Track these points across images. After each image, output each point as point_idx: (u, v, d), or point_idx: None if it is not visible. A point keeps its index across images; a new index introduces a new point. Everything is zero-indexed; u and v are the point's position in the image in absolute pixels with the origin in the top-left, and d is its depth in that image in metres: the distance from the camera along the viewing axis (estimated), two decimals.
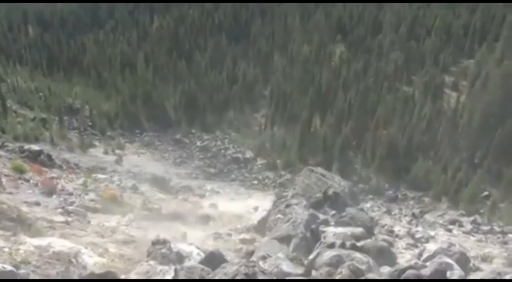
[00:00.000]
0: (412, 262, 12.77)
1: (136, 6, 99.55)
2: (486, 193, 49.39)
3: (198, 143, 68.33)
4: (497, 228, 36.51)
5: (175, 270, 8.95)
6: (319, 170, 24.93)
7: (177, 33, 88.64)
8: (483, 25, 69.32)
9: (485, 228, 36.18)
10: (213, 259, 9.91)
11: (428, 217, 42.79)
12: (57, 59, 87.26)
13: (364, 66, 70.90)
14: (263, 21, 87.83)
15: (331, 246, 13.44)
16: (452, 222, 38.71)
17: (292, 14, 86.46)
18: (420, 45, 71.67)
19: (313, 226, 17.04)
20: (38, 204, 22.56)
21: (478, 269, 17.43)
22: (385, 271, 10.99)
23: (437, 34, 70.99)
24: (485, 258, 21.29)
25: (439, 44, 70.20)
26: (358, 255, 12.09)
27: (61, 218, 20.57)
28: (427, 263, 13.60)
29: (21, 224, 15.61)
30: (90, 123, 68.73)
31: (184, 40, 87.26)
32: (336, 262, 11.45)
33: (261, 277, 6.26)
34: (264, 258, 12.35)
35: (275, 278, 6.59)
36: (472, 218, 40.87)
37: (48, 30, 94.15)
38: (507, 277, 16.17)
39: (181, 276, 8.39)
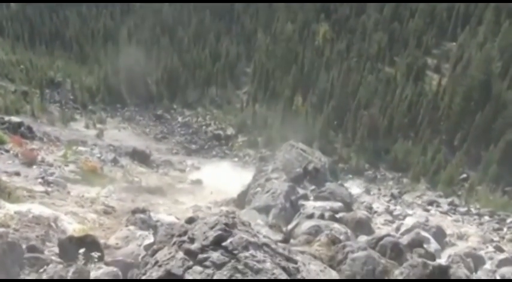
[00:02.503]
0: (390, 233, 12.97)
1: None
2: (464, 175, 49.85)
3: (180, 119, 68.27)
4: (473, 210, 37.10)
5: (155, 227, 9.02)
6: (300, 145, 24.94)
7: (161, 8, 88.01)
8: (467, 8, 69.44)
9: (462, 209, 36.76)
10: (192, 222, 9.95)
11: (407, 197, 43.17)
12: (39, 32, 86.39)
13: (347, 46, 70.87)
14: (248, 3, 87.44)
15: (310, 216, 13.58)
16: (430, 203, 39.21)
17: None
18: (404, 26, 71.63)
19: (293, 197, 17.17)
20: (17, 174, 22.47)
21: (454, 244, 17.73)
22: (363, 239, 11.12)
23: (421, 16, 71.02)
24: (461, 236, 21.63)
25: (423, 26, 70.24)
26: (336, 225, 12.24)
27: (41, 188, 20.51)
28: (404, 236, 13.82)
29: (1, 191, 15.54)
30: (71, 97, 68.34)
31: (168, 15, 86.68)
32: (315, 232, 11.57)
33: (240, 228, 6.33)
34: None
35: (253, 229, 6.66)
36: (449, 200, 41.36)
37: (30, 3, 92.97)
38: (482, 252, 16.48)
39: (161, 232, 8.45)
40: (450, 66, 63.55)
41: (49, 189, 20.82)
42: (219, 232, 6.11)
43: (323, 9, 79.15)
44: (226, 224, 6.22)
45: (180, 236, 6.63)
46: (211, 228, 6.23)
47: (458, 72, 58.57)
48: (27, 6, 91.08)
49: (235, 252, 5.95)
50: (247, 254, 5.97)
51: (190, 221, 9.61)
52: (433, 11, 71.28)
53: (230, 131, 65.22)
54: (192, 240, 6.23)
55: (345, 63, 66.29)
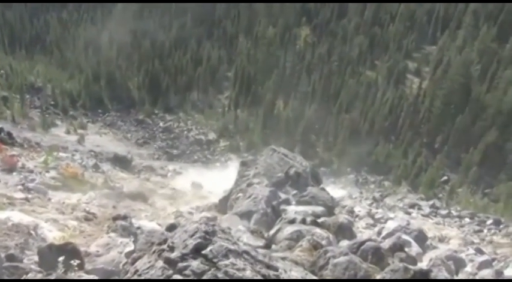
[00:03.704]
0: (372, 237, 12.99)
1: None
2: (445, 178, 50.36)
3: (161, 124, 68.20)
4: (454, 212, 37.34)
5: (135, 235, 8.99)
6: (282, 149, 24.89)
7: (142, 13, 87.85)
8: (446, 12, 70.13)
9: (443, 212, 36.97)
10: (174, 230, 9.89)
11: (389, 201, 43.33)
12: (19, 37, 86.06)
13: (328, 50, 71.28)
14: (228, 3, 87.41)
15: (292, 222, 13.54)
16: (412, 205, 39.37)
17: None
18: (384, 30, 72.23)
19: (274, 202, 17.14)
20: None
21: (435, 247, 17.79)
22: (344, 244, 11.14)
23: (401, 20, 71.61)
24: (443, 239, 21.77)
25: (403, 30, 70.84)
26: (318, 230, 12.20)
27: (21, 195, 20.23)
28: (386, 240, 13.85)
29: None
30: (52, 103, 67.94)
31: (149, 20, 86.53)
32: (297, 237, 11.55)
33: (220, 235, 6.32)
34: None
35: (235, 238, 6.65)
36: (431, 202, 41.62)
37: (10, 7, 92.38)
38: (463, 255, 16.58)
39: (141, 240, 8.42)
40: (430, 69, 64.22)
41: (29, 196, 20.58)
42: (199, 240, 6.09)
43: (304, 13, 79.74)
44: (206, 232, 6.20)
45: (159, 244, 6.60)
46: (191, 236, 6.21)
47: (438, 75, 59.07)
48: (7, 10, 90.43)
49: (215, 260, 5.94)
50: (227, 262, 5.96)
51: (171, 227, 9.57)
52: (413, 15, 72.00)
53: (212, 135, 65.28)
54: (171, 249, 6.20)
55: (326, 67, 66.78)
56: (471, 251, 18.80)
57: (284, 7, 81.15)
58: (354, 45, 71.24)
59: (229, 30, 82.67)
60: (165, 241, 6.52)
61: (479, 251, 18.85)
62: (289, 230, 12.20)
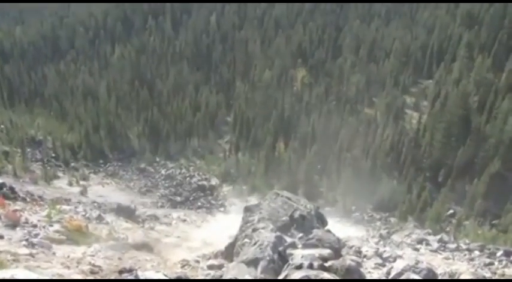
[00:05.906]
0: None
1: (96, 35, 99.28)
2: (451, 211, 50.11)
3: (163, 172, 68.10)
4: (463, 246, 36.89)
5: None
6: (285, 193, 24.89)
7: (139, 62, 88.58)
8: (440, 46, 70.69)
9: (452, 246, 36.50)
10: None
11: (396, 237, 42.95)
12: (18, 91, 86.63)
13: (325, 90, 71.69)
14: (224, 48, 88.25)
15: (299, 267, 13.41)
16: (419, 241, 38.94)
17: (252, 39, 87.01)
18: (380, 67, 72.79)
19: (281, 248, 17.00)
20: (1, 237, 22.04)
21: None
22: None
23: (396, 56, 72.17)
24: (453, 275, 21.43)
25: (399, 65, 71.35)
26: (326, 275, 12.07)
27: (25, 251, 20.09)
28: None
29: None
30: (53, 155, 67.95)
31: (146, 69, 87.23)
32: None
33: None
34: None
35: None
36: (438, 237, 41.14)
37: (7, 62, 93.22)
38: None
39: None
40: (428, 103, 64.52)
41: (34, 251, 20.44)
42: None
43: (300, 54, 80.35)
44: None
45: None
46: None
47: (437, 108, 59.24)
48: (5, 64, 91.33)
49: None
50: None
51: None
52: (408, 50, 72.61)
53: (214, 181, 65.20)
54: None
55: (325, 107, 67.03)
56: None
57: (279, 49, 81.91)
58: (350, 83, 71.74)
59: (226, 75, 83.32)
60: None
61: None
62: (297, 275, 12.06)
